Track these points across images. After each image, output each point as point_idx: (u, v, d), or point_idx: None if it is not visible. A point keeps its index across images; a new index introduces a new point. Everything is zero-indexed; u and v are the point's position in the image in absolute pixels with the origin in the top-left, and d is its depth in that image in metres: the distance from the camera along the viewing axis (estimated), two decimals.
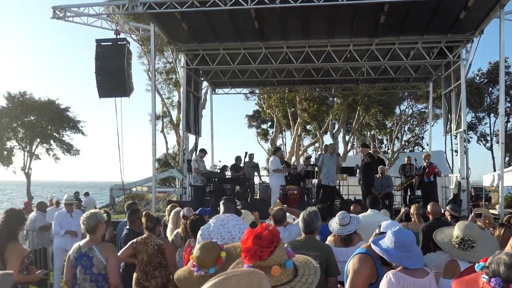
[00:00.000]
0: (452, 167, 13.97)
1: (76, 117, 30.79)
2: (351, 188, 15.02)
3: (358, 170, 12.04)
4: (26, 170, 29.59)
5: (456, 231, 3.39)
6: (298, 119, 26.86)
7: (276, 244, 1.70)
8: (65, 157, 31.91)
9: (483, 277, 1.76)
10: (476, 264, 1.87)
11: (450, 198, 12.48)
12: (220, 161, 27.13)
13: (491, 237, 3.59)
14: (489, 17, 10.74)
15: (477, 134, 36.64)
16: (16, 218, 4.23)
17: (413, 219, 6.27)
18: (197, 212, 5.21)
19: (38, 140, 29.89)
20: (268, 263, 1.66)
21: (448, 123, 13.81)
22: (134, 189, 14.48)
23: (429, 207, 6.03)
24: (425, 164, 11.31)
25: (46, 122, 29.25)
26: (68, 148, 31.20)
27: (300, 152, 29.96)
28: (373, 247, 2.84)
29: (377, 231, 3.43)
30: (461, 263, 3.24)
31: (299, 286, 1.68)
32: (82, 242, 4.00)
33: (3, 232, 4.07)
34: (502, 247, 4.46)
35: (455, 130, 13.02)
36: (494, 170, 24.93)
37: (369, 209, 6.18)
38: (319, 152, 21.09)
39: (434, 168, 11.16)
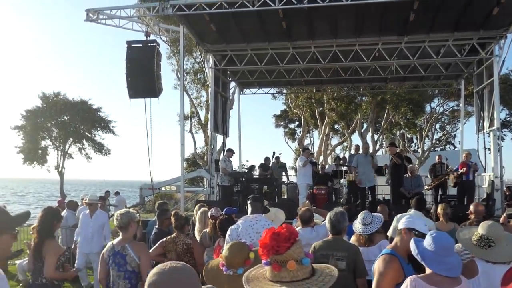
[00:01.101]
0: (485, 166, 13.63)
1: (107, 117, 31.56)
2: (379, 188, 14.82)
3: (387, 169, 11.89)
4: (60, 169, 30.45)
5: (479, 228, 3.33)
6: (326, 119, 26.68)
7: (293, 241, 1.76)
8: (97, 156, 32.68)
9: None
10: None
11: (483, 198, 12.18)
12: (247, 161, 27.31)
13: None
14: None
15: None
16: (53, 216, 4.40)
17: (440, 219, 6.14)
18: (223, 211, 5.28)
19: (71, 139, 30.70)
20: (285, 257, 1.72)
21: (481, 121, 13.47)
22: (163, 189, 14.70)
23: (472, 207, 5.81)
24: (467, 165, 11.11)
25: (79, 122, 30.05)
26: (100, 148, 31.96)
27: (328, 152, 29.75)
28: (411, 245, 2.80)
29: (394, 223, 3.39)
30: (480, 263, 3.17)
31: (314, 283, 1.72)
32: (115, 241, 4.12)
33: (41, 229, 4.24)
34: None
35: (488, 128, 12.69)
36: None
37: (413, 210, 6.02)
38: (350, 152, 20.88)
39: (465, 164, 11.04)
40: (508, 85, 26.17)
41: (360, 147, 12.08)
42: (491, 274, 3.11)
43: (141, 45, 11.51)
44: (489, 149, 13.14)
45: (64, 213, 9.63)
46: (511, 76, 31.16)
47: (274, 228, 1.83)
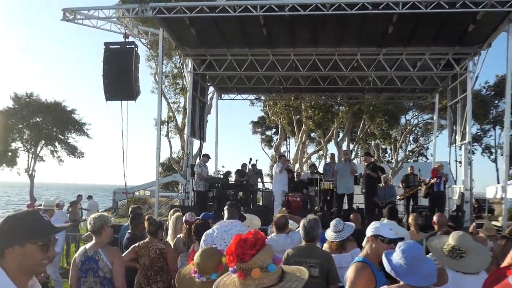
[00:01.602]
0: (456, 178, 13.93)
1: (81, 120, 30.98)
2: (354, 196, 14.97)
3: (361, 179, 12.02)
4: (30, 172, 29.69)
5: (450, 239, 3.40)
6: (303, 127, 26.87)
7: (259, 248, 1.73)
8: (70, 159, 32.06)
9: None
10: (510, 277, 1.85)
11: (453, 209, 12.43)
12: (223, 167, 27.21)
13: (485, 251, 3.57)
14: (497, 31, 10.76)
15: (482, 146, 36.58)
16: None
17: (411, 229, 6.24)
18: (200, 217, 5.21)
19: (43, 141, 30.02)
20: (249, 265, 1.70)
21: (453, 134, 13.78)
22: (137, 193, 14.51)
23: (435, 218, 6.01)
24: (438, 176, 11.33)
25: (51, 124, 29.41)
26: (73, 150, 31.33)
27: (304, 159, 29.93)
28: (383, 258, 2.80)
29: (368, 233, 3.42)
30: (450, 272, 3.25)
31: None
32: (88, 246, 4.00)
33: None
34: (503, 258, 4.45)
35: (460, 141, 12.99)
36: (498, 182, 24.81)
37: (386, 220, 6.09)
38: (326, 161, 21.03)
39: (436, 171, 11.28)
40: (479, 100, 26.96)
41: (336, 156, 12.23)
42: (461, 284, 3.19)
43: (119, 46, 11.31)
44: (460, 162, 13.45)
45: None
46: (483, 92, 32.19)
47: (240, 234, 1.80)
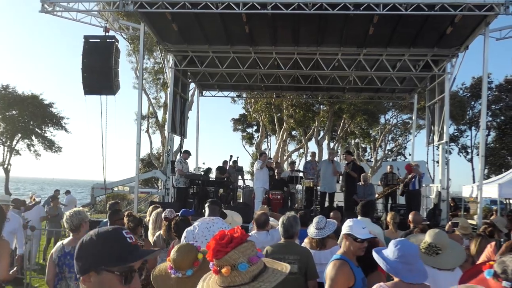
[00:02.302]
0: (433, 178, 14.20)
1: (59, 114, 30.48)
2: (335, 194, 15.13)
3: (341, 177, 12.15)
4: (5, 166, 29.04)
5: (426, 237, 3.52)
6: (284, 125, 26.97)
7: (234, 246, 1.74)
8: (47, 153, 31.52)
9: (506, 284, 1.78)
10: (486, 271, 1.90)
11: (430, 208, 12.68)
12: (204, 163, 27.12)
13: (460, 248, 3.68)
14: (474, 34, 11.00)
15: (458, 146, 37.34)
16: (1, 215, 4.16)
17: (390, 227, 6.36)
18: (179, 213, 5.19)
19: (19, 135, 29.40)
20: (221, 262, 1.72)
21: (431, 134, 14.05)
22: (116, 189, 14.31)
23: (410, 216, 6.17)
24: (413, 174, 11.51)
25: (28, 117, 28.83)
26: (50, 145, 30.79)
27: (285, 158, 30.05)
28: (374, 254, 2.85)
29: (342, 231, 3.48)
30: (426, 269, 3.32)
31: None
32: (65, 241, 3.96)
33: None
34: (478, 256, 4.59)
35: (437, 141, 13.25)
36: (473, 182, 25.44)
37: (360, 217, 6.17)
38: (306, 159, 21.16)
39: (409, 166, 11.49)
40: (456, 101, 27.53)
41: (316, 155, 12.33)
42: (436, 280, 3.28)
43: (99, 40, 11.16)
44: (437, 162, 13.73)
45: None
46: (460, 93, 32.88)
47: (225, 231, 1.82)
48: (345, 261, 3.23)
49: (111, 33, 11.59)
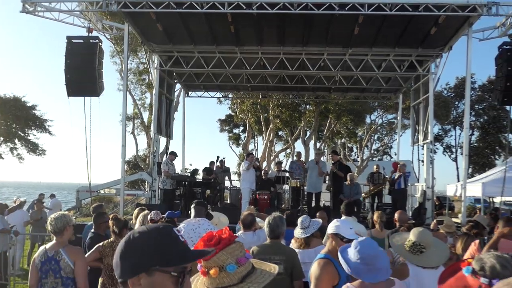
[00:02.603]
0: (419, 177, 14.34)
1: (43, 116, 29.90)
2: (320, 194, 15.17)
3: (327, 177, 12.19)
4: None
5: (411, 235, 3.55)
6: (271, 125, 26.99)
7: (222, 247, 1.72)
8: (30, 157, 30.96)
9: (484, 280, 1.79)
10: (464, 268, 1.91)
11: (415, 207, 12.79)
12: (191, 165, 26.99)
13: (444, 246, 3.72)
14: (457, 34, 11.12)
15: (443, 146, 37.80)
16: None
17: (376, 226, 6.39)
18: (165, 215, 5.13)
19: (2, 138, 28.83)
20: (209, 264, 1.71)
21: (416, 134, 14.18)
22: (102, 192, 14.15)
23: (396, 215, 6.21)
24: (399, 173, 11.60)
25: (10, 120, 28.26)
26: (34, 148, 30.24)
27: (272, 158, 30.08)
28: (339, 255, 2.85)
29: (329, 230, 3.49)
30: (411, 267, 3.40)
31: None
32: (48, 246, 3.87)
33: None
34: (464, 254, 4.64)
35: (422, 141, 13.38)
36: (458, 181, 25.73)
37: (343, 217, 6.21)
38: (293, 159, 21.14)
39: (396, 164, 11.60)
40: (441, 101, 27.88)
41: (303, 154, 12.35)
42: (420, 277, 3.35)
43: (82, 41, 10.97)
44: (423, 161, 13.85)
45: None
46: (444, 93, 33.30)
47: (213, 232, 1.80)
48: (330, 260, 3.25)
49: (95, 33, 11.42)
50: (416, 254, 3.42)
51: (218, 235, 1.76)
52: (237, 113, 29.51)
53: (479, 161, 32.88)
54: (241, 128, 36.51)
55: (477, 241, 4.45)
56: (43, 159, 32.83)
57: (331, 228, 3.41)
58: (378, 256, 2.71)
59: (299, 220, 4.67)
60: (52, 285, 3.74)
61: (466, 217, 10.58)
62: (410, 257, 3.44)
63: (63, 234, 3.84)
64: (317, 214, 6.95)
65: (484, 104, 33.84)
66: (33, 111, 29.30)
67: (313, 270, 3.22)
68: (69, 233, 3.93)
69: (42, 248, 3.92)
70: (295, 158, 13.04)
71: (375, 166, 13.48)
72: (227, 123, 37.09)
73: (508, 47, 9.88)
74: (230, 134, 37.86)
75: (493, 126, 33.02)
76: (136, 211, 6.72)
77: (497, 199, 20.89)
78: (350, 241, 3.24)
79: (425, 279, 3.32)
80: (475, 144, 34.13)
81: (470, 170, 31.90)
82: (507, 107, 12.27)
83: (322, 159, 15.03)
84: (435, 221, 6.27)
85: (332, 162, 11.68)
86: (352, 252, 2.75)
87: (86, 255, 4.62)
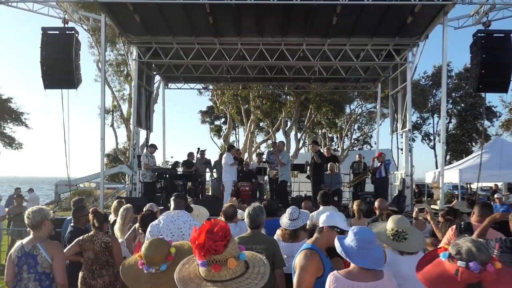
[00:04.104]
0: (398, 165, 14.55)
1: (19, 109, 29.25)
2: (302, 184, 15.31)
3: (308, 167, 12.27)
4: None
5: (390, 224, 3.62)
6: (251, 116, 26.98)
7: (229, 238, 1.74)
8: (7, 150, 30.28)
9: (461, 263, 1.85)
10: (441, 254, 1.97)
11: (395, 195, 13.01)
12: (172, 157, 26.80)
13: (418, 231, 3.83)
14: (433, 23, 11.27)
15: (422, 134, 38.46)
16: None
17: (355, 215, 6.50)
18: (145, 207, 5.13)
19: None
20: (224, 256, 1.70)
21: (395, 122, 14.38)
22: (81, 185, 13.96)
23: (376, 203, 6.33)
24: (379, 163, 11.76)
25: None
26: (10, 141, 29.60)
27: (253, 149, 30.11)
28: (335, 243, 2.89)
29: (308, 222, 3.54)
30: (388, 254, 3.48)
31: (254, 277, 1.73)
32: (25, 241, 3.82)
33: None
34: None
35: (401, 129, 13.57)
36: (436, 168, 26.24)
37: (321, 206, 6.29)
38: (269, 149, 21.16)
39: (380, 154, 11.79)
40: (419, 89, 28.28)
41: (284, 145, 12.36)
42: (397, 263, 3.41)
43: (58, 32, 10.74)
44: (402, 149, 14.04)
45: None
46: (422, 82, 33.77)
47: (205, 225, 1.77)
48: (316, 251, 3.25)
49: (71, 24, 11.19)
50: (400, 241, 3.49)
51: (220, 225, 1.75)
52: (218, 105, 29.39)
53: (457, 148, 33.55)
54: (222, 119, 36.41)
55: (453, 227, 4.55)
56: (20, 153, 32.19)
57: (326, 221, 3.42)
58: (372, 243, 2.78)
59: (288, 210, 4.69)
60: (26, 280, 3.70)
61: (444, 203, 10.81)
62: (395, 245, 3.50)
63: (41, 229, 3.79)
64: (303, 204, 7.01)
65: (461, 91, 34.47)
66: (9, 104, 28.64)
67: (299, 260, 3.21)
68: (47, 227, 3.88)
69: (18, 243, 3.87)
70: (271, 148, 13.03)
71: (357, 156, 13.66)
72: (208, 114, 36.93)
73: (482, 35, 10.05)
74: (212, 126, 37.73)
75: (470, 113, 33.68)
76: (114, 203, 6.69)
77: (474, 185, 21.46)
78: (343, 232, 3.29)
79: (402, 265, 3.38)
80: (453, 132, 34.79)
81: (448, 157, 32.55)
82: (483, 94, 12.50)
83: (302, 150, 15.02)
84: (416, 209, 6.40)
85: (314, 152, 11.71)
86: (349, 235, 2.82)
87: (66, 249, 4.58)
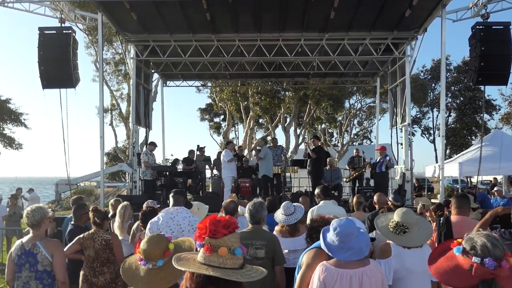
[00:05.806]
0: (398, 159, 14.55)
1: (18, 109, 29.18)
2: (302, 180, 15.30)
3: (308, 162, 12.25)
4: None
5: (395, 216, 3.63)
6: (251, 113, 26.97)
7: (232, 230, 1.79)
8: (7, 151, 30.25)
9: (476, 259, 1.83)
10: (454, 248, 1.95)
11: (395, 189, 13.00)
12: (172, 155, 26.84)
13: (428, 224, 3.81)
14: (432, 16, 11.24)
15: (421, 128, 38.47)
16: None
17: (355, 209, 6.50)
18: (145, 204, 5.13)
19: None
20: (219, 242, 1.75)
21: (394, 117, 14.36)
22: (82, 184, 13.97)
23: (375, 197, 6.32)
24: (380, 157, 11.72)
25: None
26: (10, 142, 29.57)
27: (252, 146, 30.12)
28: (321, 234, 2.92)
29: (309, 215, 3.54)
30: (393, 246, 3.50)
31: (241, 274, 1.76)
32: (24, 239, 3.82)
33: None
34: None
35: (400, 123, 13.55)
36: (436, 162, 26.26)
37: (322, 201, 6.27)
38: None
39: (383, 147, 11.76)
40: (418, 84, 28.25)
41: (283, 141, 12.35)
42: (403, 256, 3.42)
43: (55, 32, 10.72)
44: (401, 144, 14.03)
45: None
46: (421, 76, 33.73)
47: (216, 215, 1.85)
48: (324, 250, 3.27)
49: (68, 24, 11.18)
50: (399, 234, 3.51)
51: (227, 218, 1.82)
52: (217, 102, 29.36)
53: (457, 141, 33.53)
54: (222, 116, 36.38)
55: (434, 223, 4.57)
56: (20, 153, 32.16)
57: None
58: (352, 235, 2.80)
59: (283, 206, 4.68)
60: (26, 279, 3.70)
61: (444, 197, 10.81)
62: (393, 237, 3.53)
63: (40, 227, 3.79)
64: (300, 199, 6.99)
65: (460, 85, 34.42)
66: (8, 105, 28.60)
67: (307, 257, 3.19)
68: (46, 225, 3.88)
69: (18, 242, 3.87)
70: (270, 144, 13.00)
71: (355, 150, 13.62)
72: (207, 112, 36.89)
73: (481, 27, 10.01)
74: (211, 123, 37.70)
75: (470, 107, 33.64)
76: (112, 201, 6.69)
77: (474, 179, 21.45)
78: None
79: (408, 258, 3.40)
80: (452, 125, 34.77)
81: (447, 151, 32.53)
82: (482, 87, 12.47)
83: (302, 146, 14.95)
84: (420, 204, 6.42)
85: (313, 147, 11.68)
86: (330, 232, 2.86)
87: (66, 247, 4.59)
